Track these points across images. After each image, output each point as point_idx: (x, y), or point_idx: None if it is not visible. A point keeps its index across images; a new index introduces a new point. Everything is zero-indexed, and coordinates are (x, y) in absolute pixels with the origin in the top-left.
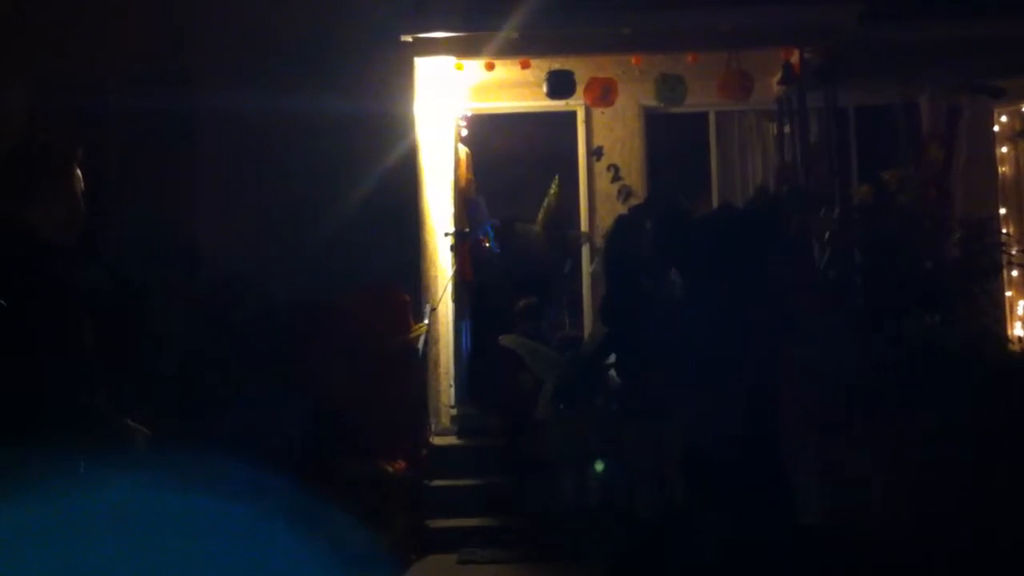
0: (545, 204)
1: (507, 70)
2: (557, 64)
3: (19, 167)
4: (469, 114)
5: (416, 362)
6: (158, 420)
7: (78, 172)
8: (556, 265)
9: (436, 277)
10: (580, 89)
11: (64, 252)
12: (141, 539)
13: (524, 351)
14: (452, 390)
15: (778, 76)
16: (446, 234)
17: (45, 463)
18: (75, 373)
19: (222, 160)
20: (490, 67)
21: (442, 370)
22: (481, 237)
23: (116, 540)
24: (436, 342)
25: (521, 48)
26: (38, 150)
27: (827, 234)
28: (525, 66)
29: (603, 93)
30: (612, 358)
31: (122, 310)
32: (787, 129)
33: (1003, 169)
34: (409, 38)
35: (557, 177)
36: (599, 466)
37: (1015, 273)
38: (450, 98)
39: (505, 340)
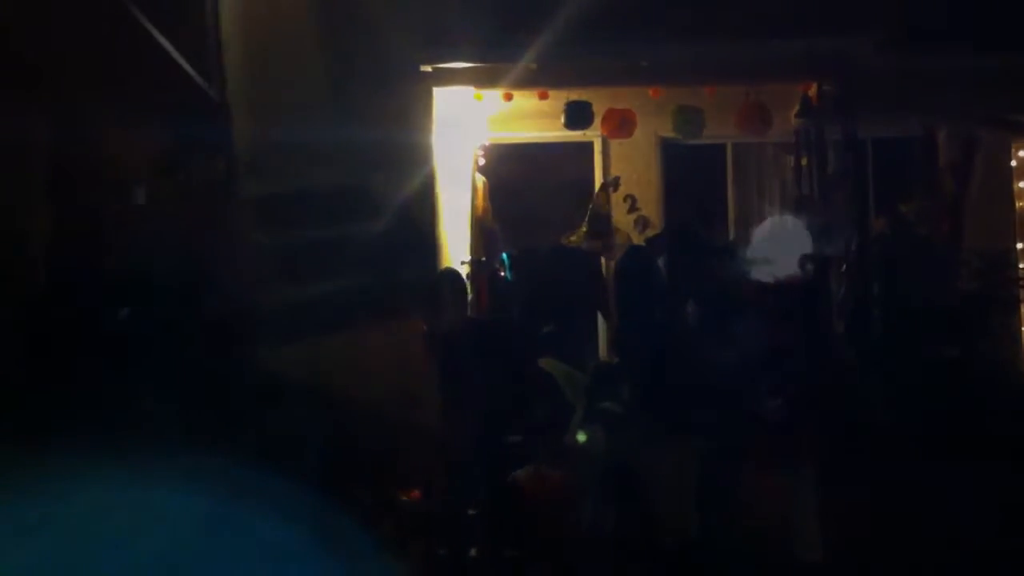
0: (590, 213)
1: (525, 100)
2: (575, 95)
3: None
4: (487, 143)
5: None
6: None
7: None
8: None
9: None
10: (597, 120)
11: (96, 285)
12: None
13: (559, 376)
14: None
15: (796, 109)
16: (463, 262)
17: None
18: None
19: (244, 190)
20: (508, 97)
21: None
22: (497, 266)
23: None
24: None
25: (539, 79)
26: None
27: (844, 266)
28: (543, 97)
29: (621, 124)
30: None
31: (154, 338)
32: (804, 161)
33: (1020, 204)
34: (428, 68)
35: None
36: (618, 490)
37: None
38: (468, 127)
39: (544, 363)
